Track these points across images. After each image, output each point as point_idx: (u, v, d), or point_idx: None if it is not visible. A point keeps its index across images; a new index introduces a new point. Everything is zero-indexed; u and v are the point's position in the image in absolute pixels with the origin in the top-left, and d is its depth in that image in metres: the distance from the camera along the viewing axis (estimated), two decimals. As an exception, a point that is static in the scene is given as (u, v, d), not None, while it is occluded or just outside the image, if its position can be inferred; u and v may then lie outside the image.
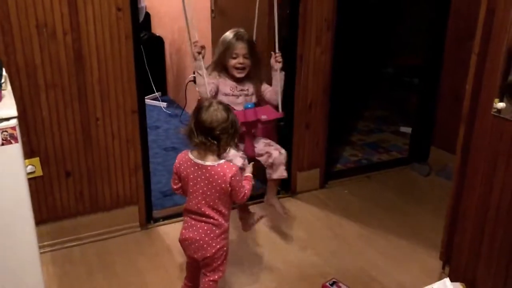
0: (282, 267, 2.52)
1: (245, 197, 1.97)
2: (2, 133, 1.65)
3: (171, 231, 2.74)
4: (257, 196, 3.12)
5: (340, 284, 2.34)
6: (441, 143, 3.55)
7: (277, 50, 2.43)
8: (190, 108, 3.07)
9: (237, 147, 2.27)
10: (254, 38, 2.52)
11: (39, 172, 2.44)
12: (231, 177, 1.88)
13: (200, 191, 1.92)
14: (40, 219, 2.50)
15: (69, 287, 2.34)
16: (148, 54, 4.38)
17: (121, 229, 2.73)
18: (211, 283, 2.02)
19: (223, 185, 1.89)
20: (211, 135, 1.87)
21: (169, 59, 5.11)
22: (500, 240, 1.88)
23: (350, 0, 3.78)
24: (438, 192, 3.27)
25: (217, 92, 2.40)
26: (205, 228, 1.96)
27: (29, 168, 2.39)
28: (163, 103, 4.88)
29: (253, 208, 3.04)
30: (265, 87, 2.49)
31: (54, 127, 2.42)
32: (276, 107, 2.44)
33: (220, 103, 1.94)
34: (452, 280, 2.01)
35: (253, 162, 2.22)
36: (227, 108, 1.93)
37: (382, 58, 5.71)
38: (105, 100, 2.49)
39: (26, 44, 2.25)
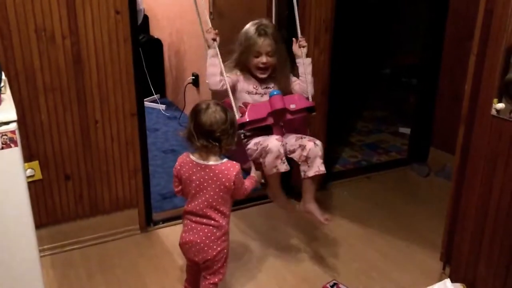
0: (282, 269, 2.52)
1: (245, 193, 2.01)
2: (1, 137, 1.65)
3: (171, 234, 2.74)
4: (258, 197, 3.14)
5: (341, 286, 2.34)
6: (440, 144, 3.55)
7: (299, 35, 2.22)
8: (189, 110, 3.10)
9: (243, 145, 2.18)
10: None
11: (39, 176, 2.44)
12: (236, 175, 1.90)
13: (204, 191, 1.92)
14: (40, 222, 2.50)
15: (70, 291, 2.34)
16: (147, 57, 4.37)
17: (121, 232, 2.73)
18: (211, 286, 2.02)
19: (227, 184, 1.90)
20: (212, 137, 1.87)
21: (167, 62, 5.12)
22: (500, 240, 1.88)
23: (349, 1, 3.77)
24: (438, 193, 3.27)
25: (235, 89, 2.22)
26: (206, 230, 1.96)
27: (29, 172, 2.39)
28: (162, 105, 4.88)
29: (250, 211, 3.06)
30: (292, 80, 2.27)
31: (53, 130, 2.42)
32: (307, 98, 2.23)
33: (217, 103, 1.94)
34: (452, 281, 2.01)
35: (259, 172, 2.16)
36: (225, 108, 1.94)
37: (380, 59, 5.72)
38: (104, 103, 2.49)
39: (25, 48, 2.25)
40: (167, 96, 5.24)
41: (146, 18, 5.31)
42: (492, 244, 1.91)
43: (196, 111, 1.91)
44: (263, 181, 2.22)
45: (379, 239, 2.78)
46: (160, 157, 3.80)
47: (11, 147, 1.67)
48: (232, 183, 1.90)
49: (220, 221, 1.96)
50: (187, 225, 2.00)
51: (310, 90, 2.25)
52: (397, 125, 4.43)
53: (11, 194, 1.73)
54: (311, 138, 2.22)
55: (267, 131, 2.17)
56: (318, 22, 2.93)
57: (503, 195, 1.83)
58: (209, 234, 1.96)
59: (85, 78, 2.41)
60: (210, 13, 3.71)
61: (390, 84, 5.62)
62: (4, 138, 1.65)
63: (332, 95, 3.15)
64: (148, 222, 2.82)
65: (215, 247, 1.97)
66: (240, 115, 2.11)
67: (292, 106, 2.12)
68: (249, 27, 2.19)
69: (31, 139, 2.38)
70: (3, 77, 1.90)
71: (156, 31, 5.21)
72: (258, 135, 2.17)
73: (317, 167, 2.17)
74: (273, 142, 2.08)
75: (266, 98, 2.21)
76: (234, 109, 2.13)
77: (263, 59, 2.17)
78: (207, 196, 1.92)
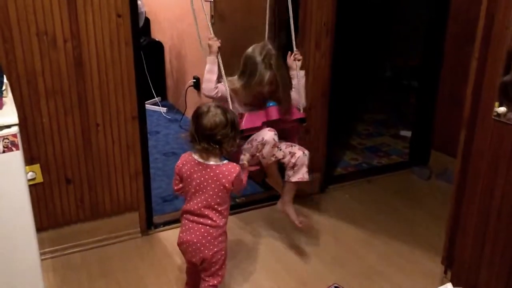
0: (283, 272, 2.51)
1: (242, 188, 2.06)
2: (3, 140, 1.65)
3: (171, 237, 2.74)
4: (256, 201, 3.14)
5: (342, 289, 2.34)
6: (442, 147, 3.55)
7: (295, 49, 2.33)
8: (190, 113, 3.12)
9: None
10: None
11: (40, 179, 2.44)
12: (236, 176, 1.93)
13: (204, 190, 1.94)
14: (41, 226, 2.50)
15: (71, 294, 2.34)
16: (148, 59, 4.39)
17: (122, 235, 2.73)
18: (210, 288, 2.03)
19: (226, 184, 1.92)
20: (213, 140, 1.90)
21: (168, 64, 5.12)
22: (503, 244, 1.88)
23: (349, 4, 3.78)
24: (439, 196, 3.27)
25: (232, 100, 2.27)
26: (202, 230, 1.97)
27: (30, 175, 2.39)
28: (163, 108, 4.88)
29: (250, 215, 3.06)
30: (292, 93, 2.36)
31: (55, 133, 2.42)
32: (298, 108, 2.36)
33: (218, 106, 1.95)
34: (454, 285, 2.01)
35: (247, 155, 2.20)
36: (225, 110, 1.95)
37: (381, 61, 5.73)
38: (105, 106, 2.49)
39: (26, 51, 2.25)
40: (168, 98, 5.24)
41: (147, 21, 5.33)
42: (494, 248, 1.91)
43: (197, 114, 1.93)
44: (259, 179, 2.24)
45: (380, 242, 2.78)
46: (161, 160, 3.80)
47: (12, 150, 1.67)
48: (231, 184, 1.93)
49: (218, 221, 1.97)
50: (185, 225, 2.02)
51: (302, 102, 2.36)
52: (398, 128, 4.44)
53: (12, 197, 1.73)
54: (301, 147, 2.36)
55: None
56: (319, 25, 2.93)
57: (505, 198, 1.83)
58: (205, 234, 1.97)
59: (86, 81, 2.41)
60: (212, 17, 3.72)
61: (391, 87, 5.63)
62: (5, 142, 1.65)
63: (333, 98, 3.15)
64: (149, 225, 2.82)
65: (211, 247, 1.97)
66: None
67: (288, 116, 2.28)
68: (257, 55, 2.23)
69: (32, 142, 2.38)
70: (5, 80, 1.91)
71: (157, 33, 5.22)
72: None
73: (302, 175, 2.35)
74: (267, 134, 2.20)
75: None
76: None
77: (266, 88, 2.23)
78: (206, 195, 1.94)
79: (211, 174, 1.92)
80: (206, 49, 2.30)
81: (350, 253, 2.68)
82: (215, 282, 2.04)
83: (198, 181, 1.94)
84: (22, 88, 2.29)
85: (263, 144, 2.19)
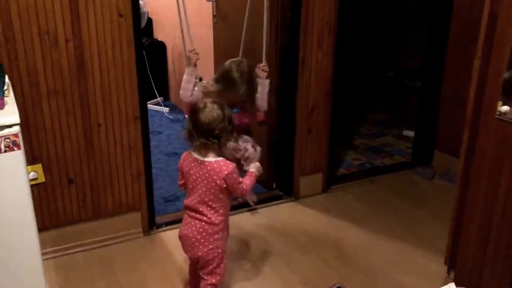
0: (285, 272, 2.50)
1: (243, 192, 2.03)
2: (4, 140, 1.65)
3: (173, 237, 2.72)
4: (258, 201, 3.13)
5: (344, 290, 2.33)
6: (445, 147, 3.54)
7: (264, 61, 2.60)
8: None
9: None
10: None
11: (42, 179, 2.44)
12: (227, 174, 1.92)
13: (198, 186, 1.96)
14: (43, 225, 2.50)
15: (73, 294, 2.33)
16: (150, 59, 4.38)
17: (124, 235, 2.72)
18: (209, 287, 2.03)
19: (218, 181, 1.93)
20: (211, 135, 1.92)
21: (171, 64, 5.12)
22: (506, 244, 1.86)
23: (352, 3, 3.77)
24: (442, 196, 3.25)
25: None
26: (198, 226, 1.99)
27: (32, 175, 2.39)
28: (165, 108, 4.88)
29: (253, 214, 3.06)
30: (256, 95, 2.58)
31: (56, 133, 2.42)
32: (261, 111, 2.62)
33: (214, 101, 1.97)
34: (457, 285, 2.00)
35: (258, 163, 2.21)
36: (222, 105, 1.97)
37: (384, 62, 5.71)
38: (107, 106, 2.49)
39: (28, 51, 2.25)
40: (171, 99, 5.24)
41: (150, 21, 5.33)
42: (497, 248, 1.90)
43: (194, 111, 1.95)
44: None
45: (383, 242, 2.76)
46: (163, 160, 3.79)
47: (14, 150, 1.68)
48: (222, 181, 1.92)
49: (212, 218, 1.98)
50: (185, 219, 2.05)
51: (264, 106, 2.61)
52: (401, 128, 4.42)
53: (14, 197, 1.73)
54: (255, 144, 2.59)
55: None
56: (321, 25, 2.92)
57: (509, 199, 1.81)
58: (201, 230, 1.98)
59: (88, 81, 2.41)
60: (214, 16, 3.71)
61: (394, 87, 5.61)
62: (7, 141, 1.65)
63: (336, 98, 3.14)
64: (151, 225, 2.82)
65: (206, 243, 1.98)
66: None
67: (246, 120, 2.54)
68: (234, 72, 2.43)
69: (34, 142, 2.38)
70: (7, 80, 1.91)
71: (159, 34, 5.22)
72: None
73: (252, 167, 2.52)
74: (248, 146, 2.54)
75: None
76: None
77: (238, 99, 2.44)
78: (200, 191, 1.96)
79: (204, 170, 1.94)
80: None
81: (352, 253, 2.67)
82: (214, 281, 2.04)
83: (194, 177, 1.97)
84: (24, 87, 2.29)
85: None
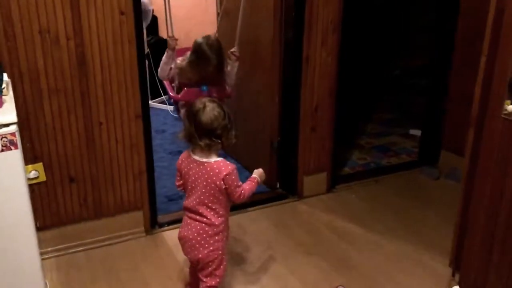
0: (287, 272, 2.47)
1: (241, 197, 1.97)
2: (1, 139, 1.64)
3: (176, 236, 2.66)
4: (259, 201, 3.11)
5: (347, 291, 2.30)
6: (452, 146, 3.48)
7: (235, 47, 2.84)
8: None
9: None
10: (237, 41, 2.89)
11: (43, 178, 2.43)
12: (226, 175, 1.90)
13: (198, 187, 1.94)
14: (44, 224, 2.50)
15: (73, 294, 2.32)
16: (155, 58, 4.37)
17: (126, 235, 2.71)
18: (208, 289, 2.01)
19: (217, 182, 1.90)
20: (214, 135, 1.89)
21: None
22: (511, 247, 1.82)
23: (357, 1, 3.72)
24: (448, 196, 3.20)
25: (181, 74, 2.81)
26: (198, 227, 1.97)
27: (33, 174, 2.38)
28: (170, 106, 4.86)
29: (255, 214, 3.02)
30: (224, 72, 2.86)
31: (58, 132, 2.40)
32: (224, 86, 2.87)
33: (212, 100, 1.95)
34: (462, 288, 1.96)
35: (261, 170, 2.18)
36: (220, 103, 1.96)
37: (391, 60, 5.65)
38: (109, 105, 2.47)
39: (29, 49, 2.24)
40: (176, 97, 5.21)
41: (155, 19, 5.31)
42: (503, 250, 1.86)
43: (194, 112, 1.91)
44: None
45: (387, 243, 2.72)
46: (166, 158, 3.78)
47: (11, 149, 1.66)
48: (221, 182, 1.90)
49: (212, 220, 1.95)
50: (184, 220, 2.04)
51: (231, 82, 2.88)
52: (408, 127, 4.36)
53: (11, 197, 1.72)
54: None
55: None
56: (325, 23, 2.89)
57: (515, 200, 1.77)
58: (201, 231, 1.96)
59: (89, 79, 2.40)
60: (218, 14, 3.69)
61: (401, 86, 5.55)
62: (4, 141, 1.64)
63: (342, 97, 3.11)
64: (153, 224, 2.80)
65: (206, 245, 1.96)
66: (175, 93, 2.88)
67: (215, 95, 2.74)
68: (202, 43, 2.71)
69: (35, 141, 2.37)
70: (5, 78, 1.90)
71: (165, 32, 5.18)
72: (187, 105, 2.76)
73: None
74: None
75: (198, 83, 2.80)
76: (167, 86, 2.99)
77: (211, 69, 2.70)
78: (199, 193, 1.94)
79: (203, 171, 1.92)
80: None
81: (356, 254, 2.63)
82: (213, 283, 2.02)
83: (193, 178, 1.95)
84: (25, 86, 2.28)
85: None
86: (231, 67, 2.86)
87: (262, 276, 2.45)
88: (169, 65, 2.77)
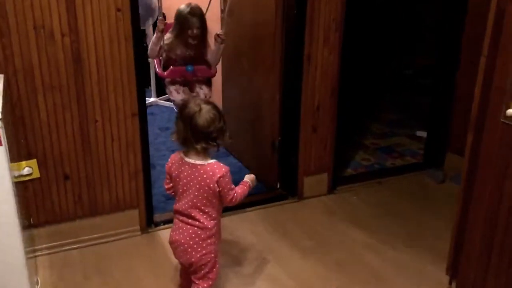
0: (283, 276, 2.42)
1: (233, 200, 1.94)
2: (-14, 136, 1.62)
3: (171, 236, 2.68)
4: (258, 201, 3.07)
5: (342, 296, 2.25)
6: (458, 149, 3.39)
7: (221, 30, 2.99)
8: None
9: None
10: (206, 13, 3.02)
11: (37, 174, 2.41)
12: (220, 177, 1.86)
13: (190, 190, 1.89)
14: (38, 221, 2.48)
15: (64, 292, 2.30)
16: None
17: (121, 233, 2.69)
18: (200, 291, 1.97)
19: (211, 185, 1.86)
20: (210, 138, 1.85)
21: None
22: (510, 254, 1.75)
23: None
24: (452, 200, 3.04)
25: (171, 49, 2.98)
26: (190, 231, 1.92)
27: (26, 170, 2.37)
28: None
29: (252, 215, 2.98)
30: (207, 49, 3.06)
31: (52, 129, 2.39)
32: (209, 66, 3.06)
33: (206, 102, 1.92)
34: (458, 296, 1.90)
35: (253, 175, 2.14)
36: (214, 104, 1.92)
37: (403, 59, 5.56)
38: (104, 103, 2.45)
39: (23, 45, 2.22)
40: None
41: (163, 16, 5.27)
42: (501, 258, 1.79)
43: (190, 116, 1.85)
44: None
45: (387, 247, 2.66)
46: (168, 156, 3.67)
47: (-5, 146, 1.64)
48: (215, 185, 1.86)
49: (205, 223, 1.91)
50: (175, 223, 1.99)
51: (214, 62, 3.09)
52: (415, 128, 4.28)
53: (-4, 195, 1.69)
54: (206, 91, 3.11)
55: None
56: (327, 21, 2.83)
57: (513, 208, 1.70)
58: (193, 235, 1.92)
59: (85, 76, 2.37)
60: (222, 11, 3.65)
61: (413, 86, 5.45)
62: (-12, 138, 1.62)
63: (344, 96, 3.04)
64: (149, 223, 2.77)
65: (199, 249, 1.92)
66: (162, 70, 3.05)
67: (200, 74, 3.04)
68: (184, 8, 2.93)
69: (30, 137, 2.35)
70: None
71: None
72: (173, 83, 3.09)
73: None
74: (176, 97, 3.09)
75: (186, 59, 3.00)
76: (156, 64, 3.13)
77: (194, 31, 2.90)
78: (191, 196, 1.89)
79: (196, 174, 1.87)
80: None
81: (354, 258, 2.57)
82: (205, 285, 1.99)
83: (185, 180, 1.90)
84: (19, 82, 2.26)
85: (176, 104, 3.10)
86: (217, 49, 3.01)
87: (257, 278, 2.41)
88: (158, 45, 2.92)
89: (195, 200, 1.89)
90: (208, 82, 3.20)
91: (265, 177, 3.32)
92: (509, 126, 1.67)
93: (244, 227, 2.84)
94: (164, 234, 2.75)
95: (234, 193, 1.94)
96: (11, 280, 1.79)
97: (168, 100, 4.95)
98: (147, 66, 4.48)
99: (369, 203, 3.14)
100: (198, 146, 1.85)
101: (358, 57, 4.21)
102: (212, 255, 1.97)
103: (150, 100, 4.95)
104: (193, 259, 1.93)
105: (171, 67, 2.99)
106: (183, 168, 1.90)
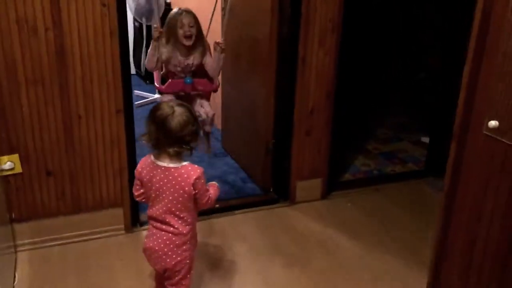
0: (262, 284, 2.35)
1: (209, 201, 1.89)
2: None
3: (155, 236, 2.64)
4: (251, 204, 3.01)
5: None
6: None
7: (222, 38, 2.78)
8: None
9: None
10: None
11: (18, 169, 2.40)
12: (196, 179, 1.79)
13: (164, 195, 1.82)
14: (20, 216, 2.47)
15: (39, 289, 2.28)
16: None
17: (105, 231, 2.66)
18: (174, 297, 1.91)
19: (186, 188, 1.79)
20: (183, 141, 1.78)
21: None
22: (488, 273, 1.65)
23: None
24: (450, 211, 2.99)
25: (169, 61, 2.76)
26: (164, 238, 1.86)
27: (8, 165, 2.35)
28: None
29: (240, 218, 2.92)
30: (207, 59, 2.82)
31: (35, 124, 2.37)
32: (210, 80, 2.84)
33: (178, 104, 1.82)
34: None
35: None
36: (187, 106, 1.85)
37: (416, 61, 5.40)
38: (88, 98, 2.42)
39: (5, 39, 2.20)
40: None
41: (170, 11, 5.26)
42: (480, 279, 1.68)
43: (163, 118, 1.77)
44: None
45: (376, 259, 2.56)
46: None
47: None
48: (191, 187, 1.79)
49: (180, 229, 1.85)
50: (149, 230, 1.92)
51: (214, 74, 2.84)
52: (421, 133, 4.14)
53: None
54: (207, 110, 2.86)
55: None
56: (323, 22, 2.74)
57: (493, 225, 1.60)
58: (167, 242, 1.85)
59: (69, 72, 2.34)
60: (222, 9, 3.59)
61: (425, 90, 5.28)
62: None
63: (351, 100, 2.96)
64: (134, 222, 2.74)
65: (174, 256, 1.86)
66: (160, 83, 2.83)
67: (200, 88, 2.81)
68: (173, 12, 2.75)
69: (11, 132, 2.34)
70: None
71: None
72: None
73: (207, 129, 2.94)
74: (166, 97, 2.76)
75: (186, 71, 2.79)
76: (155, 77, 2.85)
77: (186, 28, 2.67)
78: (166, 201, 1.82)
79: (170, 177, 1.80)
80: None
81: (339, 268, 2.48)
82: (179, 291, 1.93)
83: (157, 185, 1.82)
84: (1, 76, 2.25)
85: None
86: (217, 58, 2.79)
87: (233, 284, 2.35)
88: (155, 56, 2.69)
89: (169, 205, 1.83)
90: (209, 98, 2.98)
91: (260, 179, 3.26)
92: (491, 138, 1.56)
93: (229, 230, 2.77)
94: (148, 234, 2.71)
95: (209, 194, 1.88)
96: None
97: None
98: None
99: (363, 210, 3.04)
100: (171, 150, 1.77)
101: (362, 59, 4.11)
102: (187, 261, 1.90)
103: (155, 96, 4.93)
104: (168, 266, 1.87)
105: (170, 80, 2.80)
106: (155, 172, 1.83)
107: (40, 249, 2.53)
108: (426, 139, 3.93)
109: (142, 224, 2.76)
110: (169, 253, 1.85)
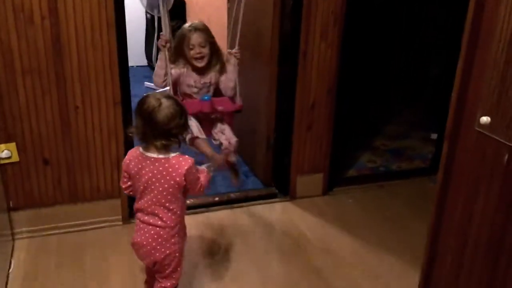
0: (256, 280, 2.33)
1: (201, 189, 1.88)
2: None
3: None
4: (251, 198, 2.98)
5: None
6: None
7: (236, 47, 2.46)
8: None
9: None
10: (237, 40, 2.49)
11: (16, 158, 2.42)
12: (187, 169, 1.77)
13: (153, 186, 1.80)
14: (17, 204, 2.49)
15: (34, 278, 2.28)
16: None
17: (102, 222, 2.67)
18: (164, 290, 1.91)
19: (177, 179, 1.77)
20: (170, 134, 1.76)
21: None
22: (478, 275, 1.59)
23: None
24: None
25: (178, 82, 2.46)
26: (152, 232, 1.84)
27: (5, 153, 2.37)
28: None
29: (240, 211, 2.90)
30: (222, 77, 2.50)
31: (32, 113, 2.38)
32: (232, 99, 2.50)
33: (165, 96, 1.79)
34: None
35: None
36: (173, 98, 1.83)
37: (429, 57, 5.27)
38: (86, 89, 2.42)
39: (2, 28, 2.21)
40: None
41: (183, 4, 5.27)
42: (470, 280, 1.63)
43: (149, 112, 1.75)
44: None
45: (373, 257, 2.51)
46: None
47: None
48: (183, 178, 1.77)
49: (169, 222, 1.83)
50: (137, 224, 1.90)
51: (231, 90, 2.49)
52: (431, 130, 4.04)
53: None
54: (229, 136, 2.51)
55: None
56: (325, 14, 2.69)
57: (483, 226, 1.54)
58: (155, 236, 1.84)
59: (65, 61, 2.35)
60: (228, 1, 3.56)
61: (438, 86, 5.16)
62: None
63: (341, 94, 2.89)
64: (131, 213, 2.73)
65: (163, 249, 1.84)
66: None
67: (221, 108, 2.47)
68: (184, 27, 2.45)
69: (8, 120, 2.35)
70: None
71: (193, 17, 5.17)
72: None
73: (230, 158, 2.59)
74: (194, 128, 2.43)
75: (202, 92, 2.47)
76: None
77: (197, 49, 2.39)
78: (155, 192, 1.80)
79: (160, 168, 1.78)
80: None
81: (335, 265, 2.44)
82: (168, 284, 1.92)
83: (146, 177, 1.80)
84: (-2, 65, 2.26)
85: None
86: (232, 72, 2.46)
87: (227, 277, 2.33)
88: (163, 69, 2.35)
89: (159, 196, 1.81)
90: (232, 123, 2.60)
91: (261, 174, 3.23)
92: (482, 135, 1.50)
93: (226, 224, 2.76)
94: (145, 225, 2.70)
95: (201, 181, 1.87)
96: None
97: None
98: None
99: (365, 207, 2.98)
100: (158, 143, 1.76)
101: (366, 53, 4.01)
102: (177, 254, 1.89)
103: (166, 88, 4.92)
104: (156, 260, 1.86)
105: (185, 100, 2.43)
106: (144, 164, 1.80)
107: (37, 237, 2.55)
108: (435, 136, 3.84)
109: (140, 215, 2.76)
110: (158, 247, 1.84)
